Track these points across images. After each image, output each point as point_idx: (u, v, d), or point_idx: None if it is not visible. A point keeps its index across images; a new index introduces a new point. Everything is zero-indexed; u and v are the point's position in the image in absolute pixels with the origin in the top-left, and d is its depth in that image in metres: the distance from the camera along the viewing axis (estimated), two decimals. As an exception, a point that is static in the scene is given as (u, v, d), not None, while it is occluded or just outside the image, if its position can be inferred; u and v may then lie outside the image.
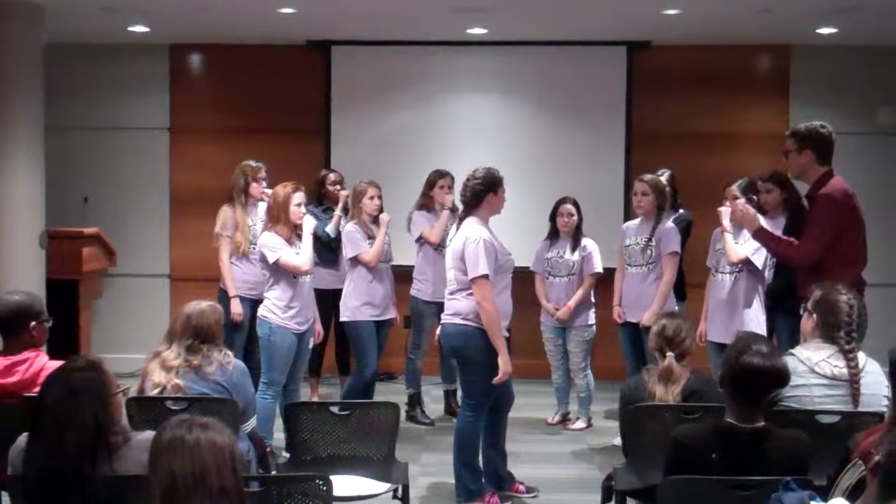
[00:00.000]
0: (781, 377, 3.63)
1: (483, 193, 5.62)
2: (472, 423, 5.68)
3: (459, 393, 6.64)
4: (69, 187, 8.98)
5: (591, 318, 7.42)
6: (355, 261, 7.04)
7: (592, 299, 7.42)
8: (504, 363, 5.47)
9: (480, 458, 5.79)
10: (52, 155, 8.03)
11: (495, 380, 5.47)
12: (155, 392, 4.51)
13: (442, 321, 5.76)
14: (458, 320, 5.57)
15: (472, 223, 5.59)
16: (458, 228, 5.73)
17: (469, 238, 5.50)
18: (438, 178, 7.55)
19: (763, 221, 5.97)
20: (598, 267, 7.37)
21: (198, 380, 4.55)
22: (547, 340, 7.54)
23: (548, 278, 7.46)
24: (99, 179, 9.36)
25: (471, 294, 5.49)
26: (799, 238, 5.61)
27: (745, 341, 3.68)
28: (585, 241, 7.40)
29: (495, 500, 5.70)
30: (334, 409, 4.84)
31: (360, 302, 7.02)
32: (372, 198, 7.14)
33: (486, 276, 5.42)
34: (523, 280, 8.00)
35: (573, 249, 7.37)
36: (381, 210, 7.20)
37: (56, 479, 3.15)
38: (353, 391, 6.94)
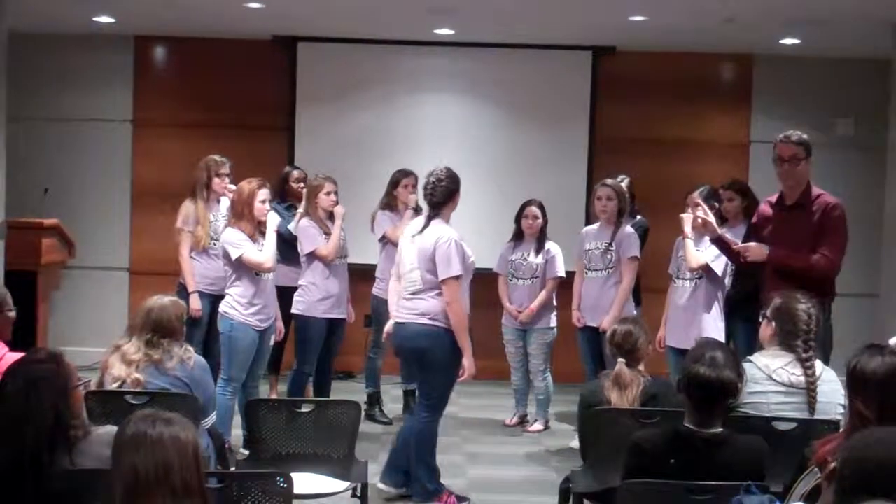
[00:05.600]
0: (727, 390, 3.61)
1: (454, 192, 5.69)
2: (430, 424, 5.71)
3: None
4: (29, 178, 8.86)
5: (553, 321, 7.46)
6: (311, 256, 6.94)
7: (554, 302, 7.46)
8: (471, 363, 5.53)
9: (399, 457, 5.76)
10: (13, 145, 7.94)
11: (462, 378, 5.55)
12: (114, 386, 4.50)
13: (400, 321, 5.72)
14: (424, 321, 5.57)
15: (441, 223, 5.61)
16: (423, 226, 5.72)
17: (441, 238, 5.52)
18: (402, 177, 7.55)
19: (725, 234, 6.04)
20: (561, 271, 7.40)
21: (158, 374, 4.53)
22: (507, 342, 7.56)
23: (511, 280, 7.48)
24: (59, 171, 9.25)
25: (439, 294, 5.50)
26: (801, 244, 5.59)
27: (702, 349, 3.70)
28: (549, 245, 7.43)
29: (452, 500, 5.72)
30: (294, 407, 4.84)
31: (315, 298, 6.90)
32: (328, 193, 7.01)
33: (457, 277, 5.45)
34: (484, 281, 8.02)
35: (537, 252, 7.40)
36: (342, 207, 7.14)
37: (13, 470, 3.12)
38: (296, 386, 6.94)
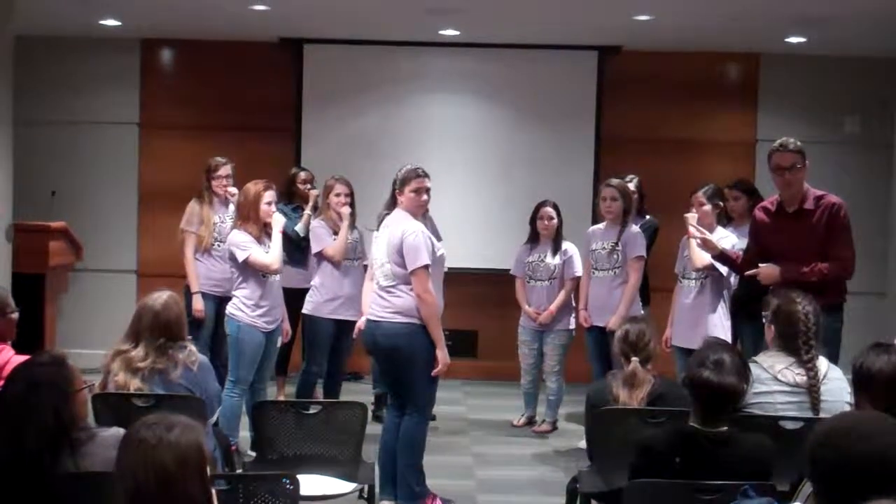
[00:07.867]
0: (730, 395, 3.60)
1: (392, 190, 5.66)
2: (420, 425, 5.57)
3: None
4: (37, 181, 8.87)
5: (572, 322, 7.40)
6: (321, 256, 6.97)
7: (573, 303, 7.41)
8: (444, 354, 5.42)
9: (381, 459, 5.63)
10: (20, 148, 7.95)
11: (435, 371, 5.42)
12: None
13: (374, 318, 5.54)
14: (399, 319, 5.43)
15: (405, 217, 5.57)
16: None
17: (407, 231, 5.44)
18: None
19: (732, 233, 6.03)
20: (579, 271, 7.35)
21: (162, 386, 4.46)
22: (522, 343, 7.51)
23: (528, 282, 7.45)
24: (67, 173, 9.28)
25: (411, 289, 5.41)
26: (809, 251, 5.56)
27: (707, 351, 3.69)
28: (566, 245, 7.40)
29: (438, 503, 5.65)
30: (301, 409, 4.83)
31: (322, 298, 6.92)
32: (338, 195, 7.03)
33: (425, 267, 5.39)
34: (495, 282, 8.04)
35: (554, 253, 7.37)
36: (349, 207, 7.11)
37: (14, 472, 3.12)
38: (304, 387, 6.94)
